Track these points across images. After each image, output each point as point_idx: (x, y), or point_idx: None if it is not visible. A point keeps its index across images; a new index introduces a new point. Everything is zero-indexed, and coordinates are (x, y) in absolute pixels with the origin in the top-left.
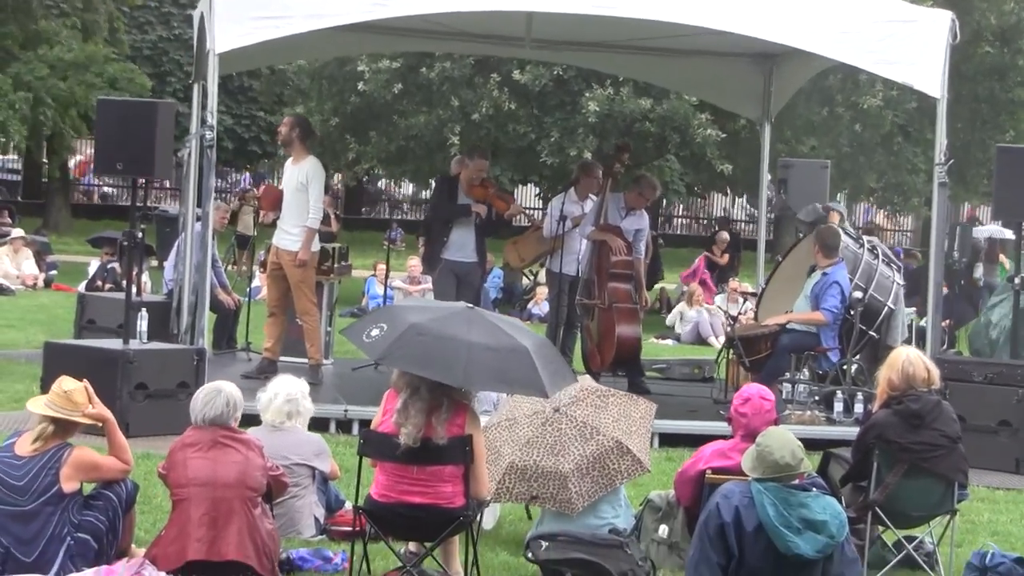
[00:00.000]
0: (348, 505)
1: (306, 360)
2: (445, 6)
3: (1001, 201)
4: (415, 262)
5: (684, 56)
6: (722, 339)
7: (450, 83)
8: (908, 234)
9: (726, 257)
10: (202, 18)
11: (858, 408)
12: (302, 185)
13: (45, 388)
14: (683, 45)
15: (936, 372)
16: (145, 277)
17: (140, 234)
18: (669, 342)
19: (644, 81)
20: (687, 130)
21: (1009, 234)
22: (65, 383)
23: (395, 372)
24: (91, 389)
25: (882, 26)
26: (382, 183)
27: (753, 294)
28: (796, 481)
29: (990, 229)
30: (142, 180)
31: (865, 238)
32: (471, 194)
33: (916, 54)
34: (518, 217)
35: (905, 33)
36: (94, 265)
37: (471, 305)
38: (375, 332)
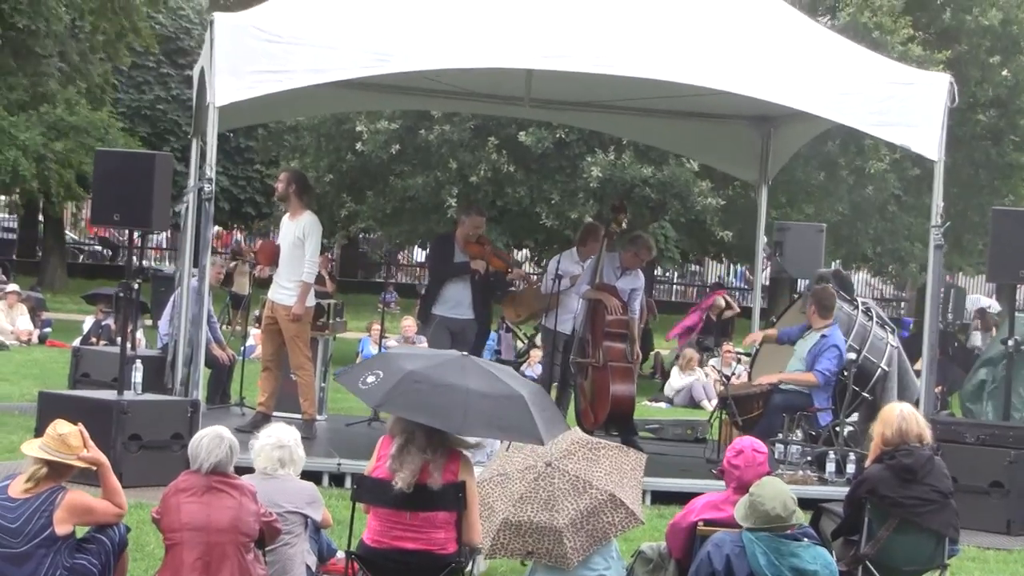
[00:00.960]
0: (340, 554)
1: (300, 415)
2: (446, 63)
3: (995, 262)
4: (409, 322)
5: (683, 118)
6: (715, 402)
7: (449, 146)
8: (903, 304)
9: (727, 313)
10: (202, 73)
11: (850, 468)
12: (299, 240)
13: (39, 436)
14: (682, 107)
15: (928, 428)
16: (139, 335)
17: (136, 285)
18: (662, 405)
19: (643, 143)
20: (688, 197)
21: (996, 307)
22: (60, 426)
23: (391, 418)
24: (86, 433)
25: (881, 88)
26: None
27: (747, 354)
28: (788, 531)
29: (981, 301)
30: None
31: (859, 300)
32: (467, 251)
33: (915, 117)
34: (518, 283)
35: (904, 95)
36: (88, 322)
37: (465, 353)
38: (371, 379)
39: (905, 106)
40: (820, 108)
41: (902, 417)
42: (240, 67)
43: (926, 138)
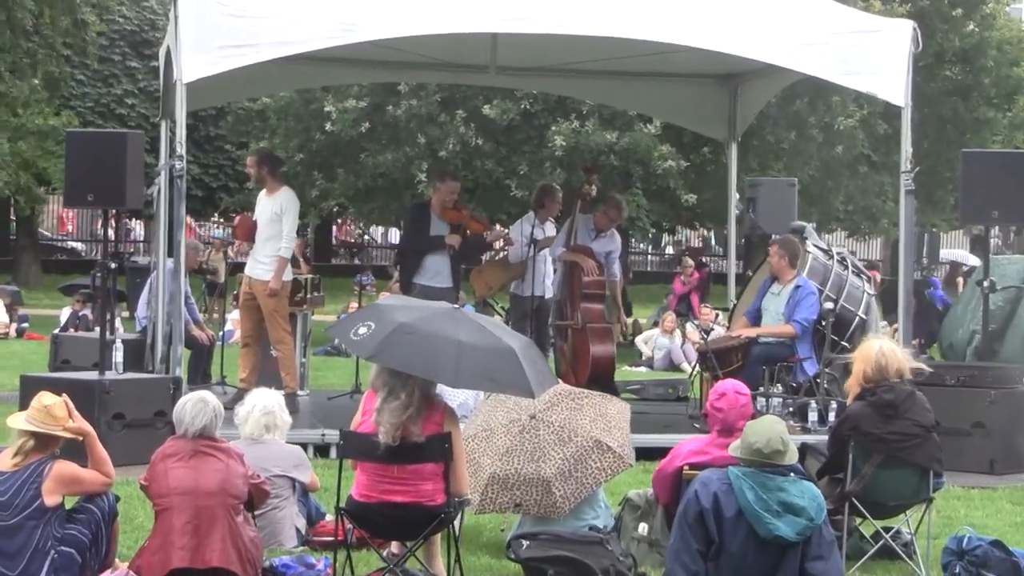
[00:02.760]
0: (329, 517)
1: (282, 391)
2: (410, 30)
3: (967, 206)
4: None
5: (649, 79)
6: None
7: (417, 120)
8: (879, 263)
9: (695, 277)
10: (168, 52)
11: (832, 418)
12: (276, 215)
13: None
14: (647, 67)
15: (909, 361)
16: (117, 323)
17: (114, 265)
18: (642, 369)
19: (611, 106)
20: (649, 162)
21: (974, 260)
22: (44, 398)
23: (372, 372)
24: (71, 403)
25: (845, 37)
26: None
27: (725, 309)
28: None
29: (956, 253)
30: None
31: (835, 249)
32: (445, 217)
33: (880, 64)
34: (498, 243)
35: (868, 43)
36: (66, 313)
37: (455, 306)
38: (362, 330)
39: (870, 54)
40: (785, 60)
41: (881, 353)
42: (206, 43)
43: (892, 84)
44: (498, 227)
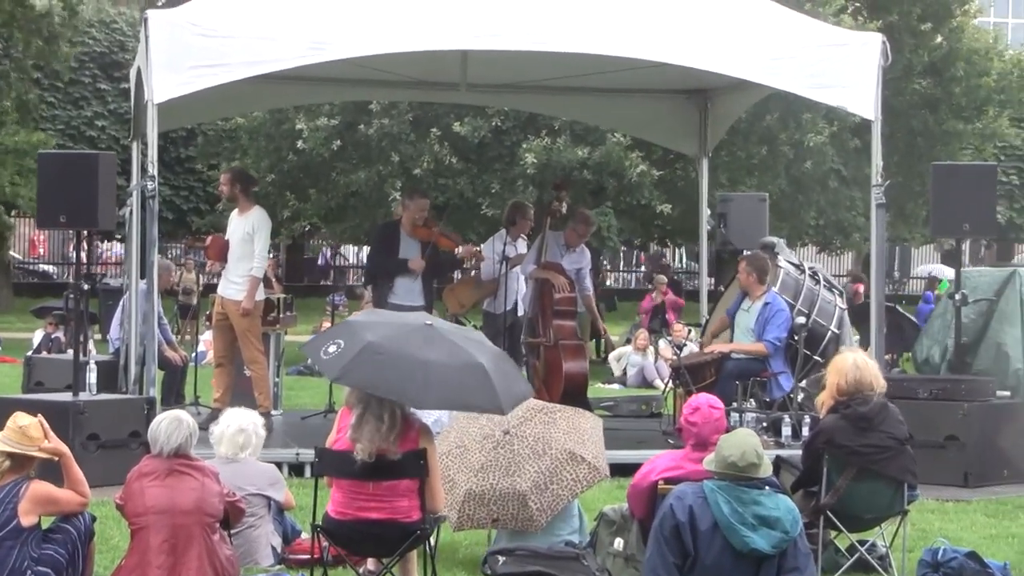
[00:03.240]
0: (305, 535)
1: (255, 410)
2: (381, 47)
3: (938, 218)
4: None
5: (620, 95)
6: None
7: (389, 139)
8: (847, 278)
9: (668, 293)
10: (139, 72)
11: (806, 432)
12: (248, 235)
13: None
14: (618, 83)
15: (881, 376)
16: (90, 346)
17: (86, 287)
18: (616, 386)
19: (582, 122)
20: (623, 173)
21: (950, 273)
22: (19, 419)
23: (346, 390)
24: (46, 424)
25: (814, 51)
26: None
27: (697, 325)
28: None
29: (933, 268)
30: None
31: (806, 264)
32: (415, 235)
33: (849, 77)
34: (471, 261)
35: (837, 57)
36: (38, 336)
37: (430, 322)
38: (332, 348)
39: (839, 67)
40: (754, 74)
41: (855, 366)
42: (176, 63)
43: (862, 97)
44: (471, 245)
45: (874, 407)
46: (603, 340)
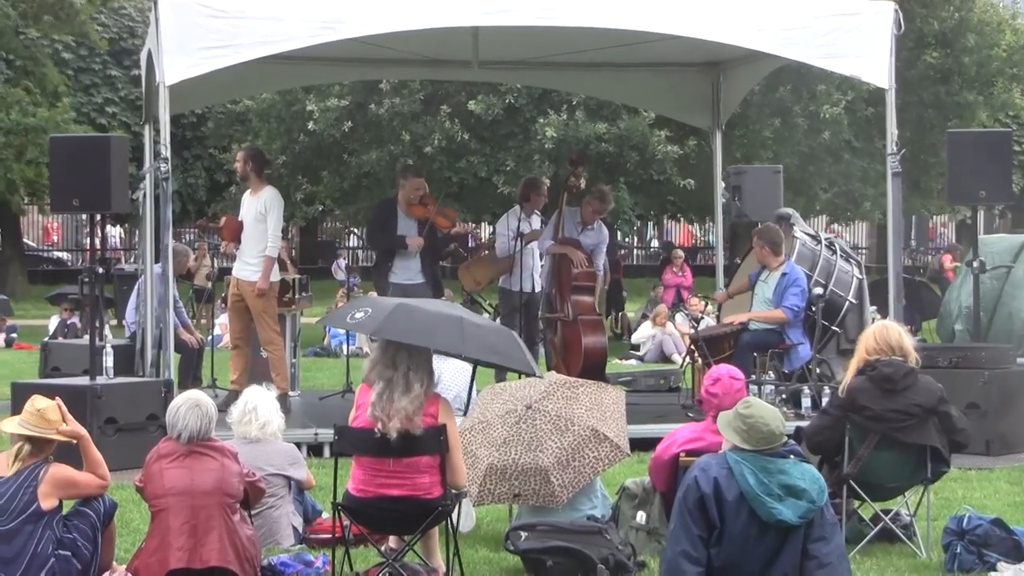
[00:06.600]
0: (325, 514)
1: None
2: (391, 26)
3: (954, 186)
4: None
5: (632, 69)
6: (685, 355)
7: (400, 118)
8: (863, 251)
9: (687, 271)
10: (150, 55)
11: (826, 402)
12: (261, 215)
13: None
14: (630, 57)
15: (912, 349)
16: (106, 330)
17: (101, 270)
18: (633, 361)
19: (594, 98)
20: (646, 148)
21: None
22: (37, 402)
23: (366, 366)
24: (63, 407)
25: (826, 21)
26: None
27: (714, 299)
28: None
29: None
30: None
31: (823, 235)
32: (412, 214)
33: (862, 47)
34: (469, 237)
35: (850, 26)
36: (54, 322)
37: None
38: (359, 315)
39: (852, 36)
40: (767, 45)
41: (884, 326)
42: (187, 44)
43: (875, 67)
44: (466, 223)
45: (899, 369)
46: (618, 316)
